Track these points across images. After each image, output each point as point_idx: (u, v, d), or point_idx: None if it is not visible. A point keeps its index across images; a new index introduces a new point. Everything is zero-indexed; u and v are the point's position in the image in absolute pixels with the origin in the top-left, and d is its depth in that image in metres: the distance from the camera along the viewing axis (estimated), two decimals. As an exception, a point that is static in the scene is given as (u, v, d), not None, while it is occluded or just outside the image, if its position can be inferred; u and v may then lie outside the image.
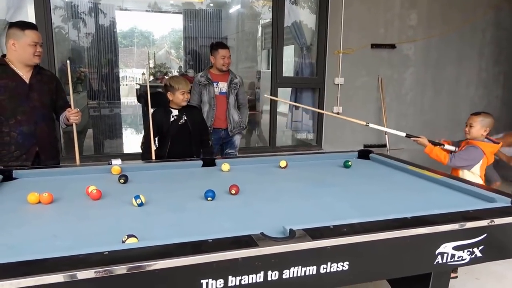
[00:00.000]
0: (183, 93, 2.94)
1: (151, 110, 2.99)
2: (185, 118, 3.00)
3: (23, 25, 2.43)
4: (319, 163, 2.68)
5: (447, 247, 1.56)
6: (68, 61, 2.77)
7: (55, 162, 2.66)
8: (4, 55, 2.48)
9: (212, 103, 3.53)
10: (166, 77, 7.73)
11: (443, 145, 2.86)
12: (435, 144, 2.84)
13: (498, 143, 2.78)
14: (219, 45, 3.60)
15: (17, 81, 2.45)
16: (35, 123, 2.51)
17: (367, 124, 2.69)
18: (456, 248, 1.57)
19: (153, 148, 2.90)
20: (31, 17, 3.67)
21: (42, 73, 2.58)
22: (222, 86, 3.61)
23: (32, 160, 2.52)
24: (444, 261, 1.57)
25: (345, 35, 4.50)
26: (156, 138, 3.01)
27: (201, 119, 3.21)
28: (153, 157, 2.88)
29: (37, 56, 2.45)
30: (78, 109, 2.64)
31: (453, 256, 1.58)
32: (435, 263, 1.55)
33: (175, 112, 2.99)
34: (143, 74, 8.62)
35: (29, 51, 2.41)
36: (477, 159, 2.69)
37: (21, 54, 2.42)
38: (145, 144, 2.95)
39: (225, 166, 2.40)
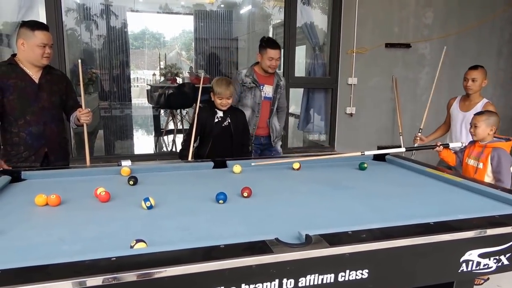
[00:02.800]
0: (221, 99, 2.86)
1: (197, 108, 3.00)
2: (229, 120, 2.95)
3: (34, 25, 2.39)
4: (333, 164, 2.60)
5: (472, 255, 1.47)
6: (79, 61, 2.74)
7: (64, 163, 2.63)
8: (14, 55, 2.46)
9: (256, 109, 3.22)
10: (178, 78, 7.74)
11: (448, 144, 2.84)
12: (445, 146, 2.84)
13: (510, 140, 2.67)
14: (269, 43, 3.15)
15: (27, 81, 2.42)
16: (44, 124, 2.48)
17: (363, 153, 2.57)
18: (481, 255, 1.48)
19: (191, 148, 2.89)
20: (42, 18, 3.67)
21: (52, 73, 2.55)
22: (268, 90, 3.26)
23: (41, 161, 2.49)
24: (469, 269, 1.48)
25: (358, 34, 4.41)
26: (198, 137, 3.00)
27: (244, 124, 3.11)
28: (189, 157, 2.86)
29: (45, 58, 2.41)
30: (89, 109, 2.61)
31: (478, 264, 1.49)
32: (459, 271, 1.47)
33: (220, 114, 2.95)
34: (154, 74, 8.62)
35: (37, 52, 2.37)
36: (510, 159, 2.59)
37: (29, 54, 2.39)
38: (187, 141, 2.95)
39: (237, 168, 2.33)
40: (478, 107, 3.10)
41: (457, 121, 3.25)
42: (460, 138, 3.18)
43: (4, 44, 3.66)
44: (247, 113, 3.24)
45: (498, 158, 2.57)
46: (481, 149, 2.67)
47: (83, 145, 2.75)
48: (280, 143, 3.48)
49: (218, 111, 2.95)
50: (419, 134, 3.55)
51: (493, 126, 2.64)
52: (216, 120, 2.94)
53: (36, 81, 2.45)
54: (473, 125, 2.68)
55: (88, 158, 2.74)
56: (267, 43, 3.16)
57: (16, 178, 2.07)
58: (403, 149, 2.80)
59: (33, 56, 2.39)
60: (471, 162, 2.73)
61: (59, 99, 2.57)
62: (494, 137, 2.68)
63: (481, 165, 2.64)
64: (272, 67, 3.17)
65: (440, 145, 2.82)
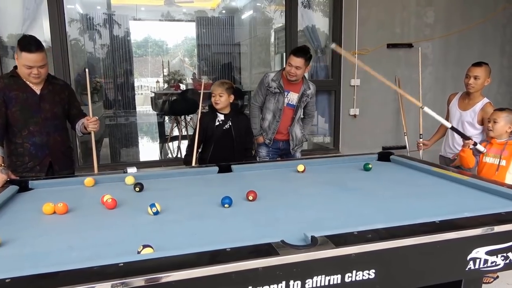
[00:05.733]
0: (214, 96, 2.92)
1: (199, 114, 3.03)
2: (230, 124, 2.97)
3: (23, 46, 2.34)
4: (338, 166, 2.60)
5: (479, 252, 1.46)
6: (86, 70, 2.76)
7: (69, 172, 2.65)
8: (16, 67, 2.49)
9: (277, 115, 3.18)
10: (182, 84, 7.79)
11: (476, 143, 2.73)
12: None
13: None
14: (294, 51, 3.09)
15: (28, 92, 2.45)
16: (47, 134, 2.51)
17: (422, 107, 2.75)
18: (489, 253, 1.48)
19: (195, 153, 2.90)
20: (46, 30, 3.72)
21: (54, 83, 2.58)
22: (292, 97, 3.18)
23: (46, 171, 2.53)
24: (477, 267, 1.48)
25: (360, 35, 4.42)
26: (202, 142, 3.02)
27: (246, 127, 3.11)
28: (193, 163, 2.88)
29: (33, 77, 2.40)
30: (97, 117, 2.63)
31: (486, 261, 1.49)
32: (467, 269, 1.46)
33: (221, 117, 2.98)
34: (157, 82, 8.68)
35: (24, 71, 2.39)
36: None
37: (20, 71, 2.41)
38: (191, 147, 2.98)
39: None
40: (477, 107, 2.98)
41: (453, 119, 3.15)
42: (454, 137, 3.12)
43: (10, 56, 3.69)
44: (268, 116, 3.21)
45: None
46: (503, 146, 2.62)
47: (90, 153, 2.77)
48: (300, 150, 3.39)
49: (219, 114, 2.97)
50: (421, 140, 3.52)
51: (511, 124, 2.63)
52: (217, 123, 2.96)
53: (38, 92, 2.48)
54: (493, 120, 2.65)
55: (96, 165, 2.77)
56: (293, 50, 3.12)
57: (23, 187, 2.09)
58: (449, 125, 2.94)
59: (22, 74, 2.41)
60: (490, 160, 2.67)
61: (61, 109, 2.59)
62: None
63: (503, 162, 2.60)
64: (290, 74, 3.07)
65: (472, 141, 2.69)
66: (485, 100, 3.01)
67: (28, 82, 2.45)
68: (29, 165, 2.49)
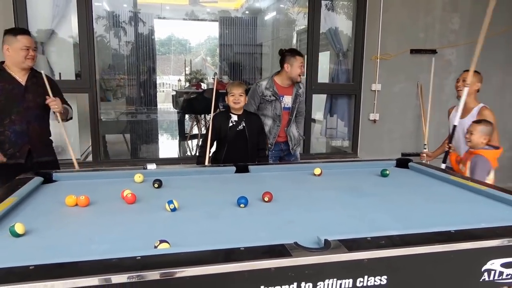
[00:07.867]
0: (233, 95, 2.93)
1: (212, 114, 3.07)
2: (244, 124, 2.99)
3: (16, 31, 2.63)
4: (355, 171, 2.60)
5: (494, 264, 1.45)
6: (42, 72, 2.73)
7: (48, 160, 2.76)
8: (2, 62, 2.65)
9: (277, 120, 3.28)
10: (203, 83, 7.87)
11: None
12: None
13: (498, 148, 2.77)
14: (296, 51, 3.23)
15: (14, 83, 2.61)
16: (27, 123, 2.65)
17: None
18: (504, 265, 1.46)
19: (208, 153, 2.93)
20: (74, 26, 3.83)
21: (37, 76, 2.72)
22: (287, 101, 3.31)
23: (25, 158, 2.65)
24: (491, 279, 1.46)
25: (383, 40, 4.39)
26: (214, 142, 3.06)
27: (260, 128, 3.12)
28: (206, 162, 2.90)
29: (29, 59, 2.60)
30: (55, 98, 2.68)
31: (501, 273, 1.47)
32: (481, 280, 1.45)
33: (234, 118, 3.00)
34: (179, 80, 8.79)
35: (21, 55, 2.56)
36: (489, 167, 2.70)
37: (15, 58, 2.58)
38: (203, 148, 3.00)
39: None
40: (474, 112, 3.04)
41: (456, 129, 3.17)
42: (460, 145, 3.12)
43: (39, 51, 3.82)
44: (268, 122, 3.29)
45: (474, 165, 2.69)
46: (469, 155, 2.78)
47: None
48: (299, 148, 3.53)
49: (232, 115, 3.00)
50: (425, 150, 3.56)
51: (487, 135, 2.75)
52: (231, 124, 2.98)
53: (23, 83, 2.64)
54: (470, 132, 2.79)
55: (75, 162, 2.87)
56: (293, 51, 3.23)
57: (48, 179, 2.17)
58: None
59: (18, 59, 2.58)
60: (462, 167, 2.85)
61: (43, 100, 2.70)
62: (486, 145, 2.76)
63: (463, 169, 2.79)
64: (302, 74, 3.23)
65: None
66: (481, 104, 3.09)
67: (13, 75, 2.61)
68: (9, 151, 2.62)
